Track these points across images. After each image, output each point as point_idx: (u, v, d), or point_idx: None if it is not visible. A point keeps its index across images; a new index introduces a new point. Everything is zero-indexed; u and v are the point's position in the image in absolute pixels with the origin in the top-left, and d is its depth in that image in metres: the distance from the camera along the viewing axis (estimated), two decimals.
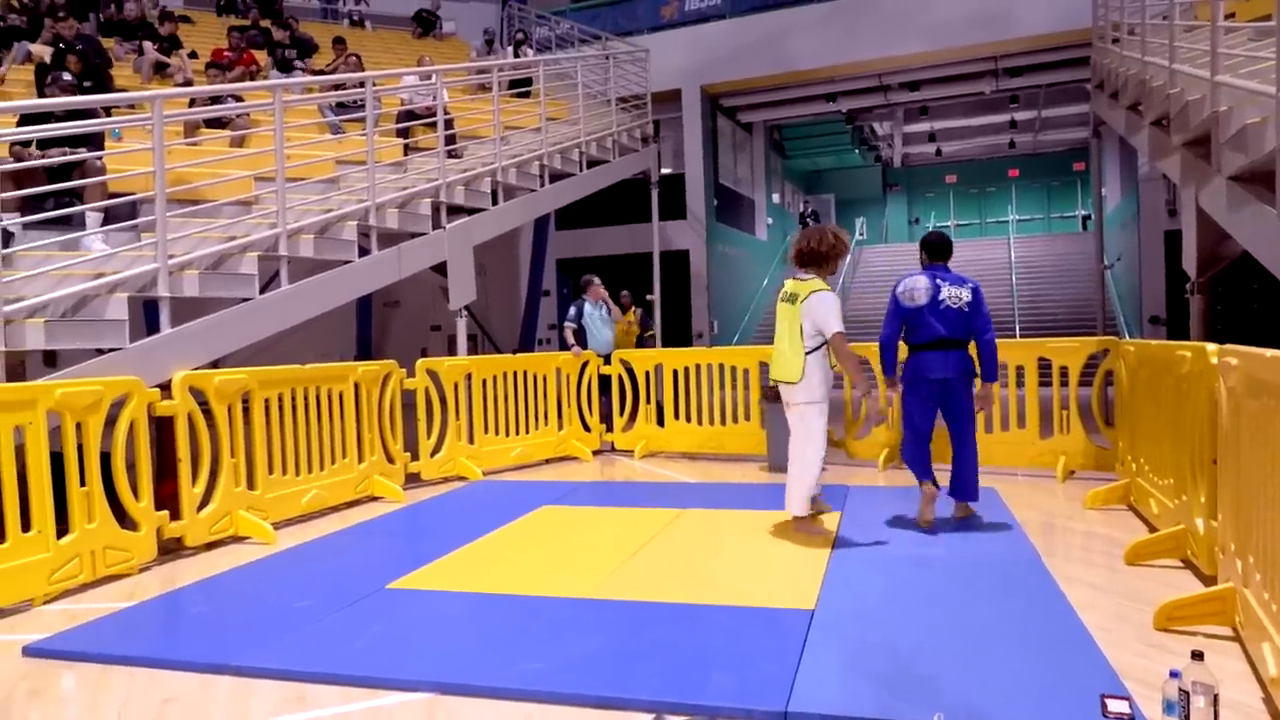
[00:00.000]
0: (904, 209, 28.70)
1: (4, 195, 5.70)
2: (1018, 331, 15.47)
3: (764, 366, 7.89)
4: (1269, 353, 2.88)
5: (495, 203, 9.13)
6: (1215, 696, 2.46)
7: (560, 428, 8.37)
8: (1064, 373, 6.78)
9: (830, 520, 5.22)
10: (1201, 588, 3.69)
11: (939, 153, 27.33)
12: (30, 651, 3.50)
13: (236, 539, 5.37)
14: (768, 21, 14.67)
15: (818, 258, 4.92)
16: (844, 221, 27.19)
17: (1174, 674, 2.53)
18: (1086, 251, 16.11)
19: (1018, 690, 2.82)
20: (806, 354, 4.79)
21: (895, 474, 6.84)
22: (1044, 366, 6.93)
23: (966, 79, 15.29)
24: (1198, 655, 2.52)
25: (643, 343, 10.34)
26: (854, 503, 5.76)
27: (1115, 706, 2.61)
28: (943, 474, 5.25)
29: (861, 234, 27.23)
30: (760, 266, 19.16)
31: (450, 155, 8.89)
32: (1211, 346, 3.78)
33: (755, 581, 4.15)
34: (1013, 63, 14.32)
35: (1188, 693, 2.47)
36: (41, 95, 7.47)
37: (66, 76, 6.99)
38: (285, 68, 11.50)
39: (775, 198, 22.19)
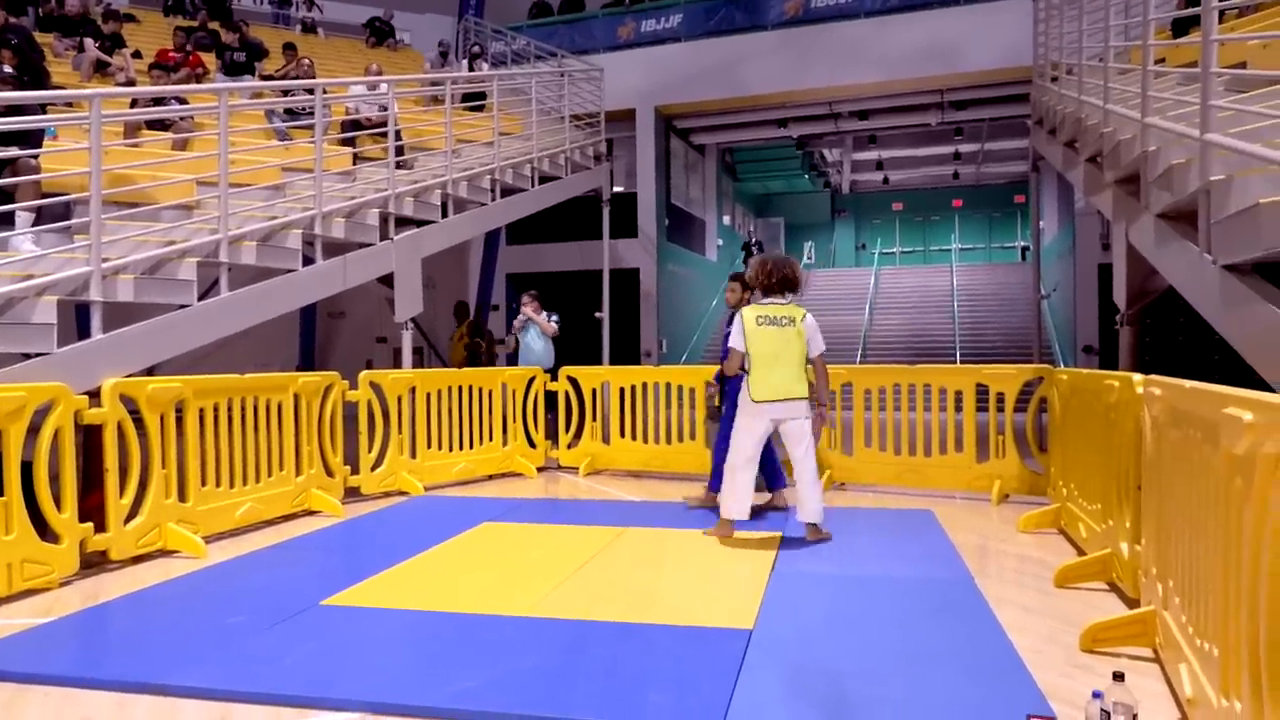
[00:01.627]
0: (851, 234, 29.29)
1: None
2: (959, 357, 15.84)
3: (709, 386, 7.93)
4: (1189, 384, 3.00)
5: (445, 215, 9.07)
6: (1134, 716, 2.54)
7: (505, 443, 8.30)
8: (1000, 399, 6.95)
9: (771, 541, 5.29)
10: (1126, 610, 3.80)
11: (886, 181, 27.99)
12: None
13: (165, 553, 5.20)
14: (723, 46, 14.90)
15: (791, 284, 5.38)
16: (793, 246, 27.68)
17: (1096, 695, 2.60)
18: (1025, 281, 16.60)
19: (949, 711, 2.87)
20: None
21: (835, 494, 6.94)
22: (982, 392, 7.11)
23: (914, 110, 15.71)
24: (1119, 676, 2.60)
25: (476, 358, 9.66)
26: (794, 523, 5.81)
27: None
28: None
29: (810, 258, 27.71)
30: (710, 287, 19.32)
31: (400, 166, 8.81)
32: (1137, 377, 3.91)
33: (695, 601, 4.16)
34: (958, 96, 14.77)
35: (1109, 712, 2.54)
36: None
37: (7, 69, 6.76)
38: (233, 71, 11.29)
39: (726, 219, 22.45)
